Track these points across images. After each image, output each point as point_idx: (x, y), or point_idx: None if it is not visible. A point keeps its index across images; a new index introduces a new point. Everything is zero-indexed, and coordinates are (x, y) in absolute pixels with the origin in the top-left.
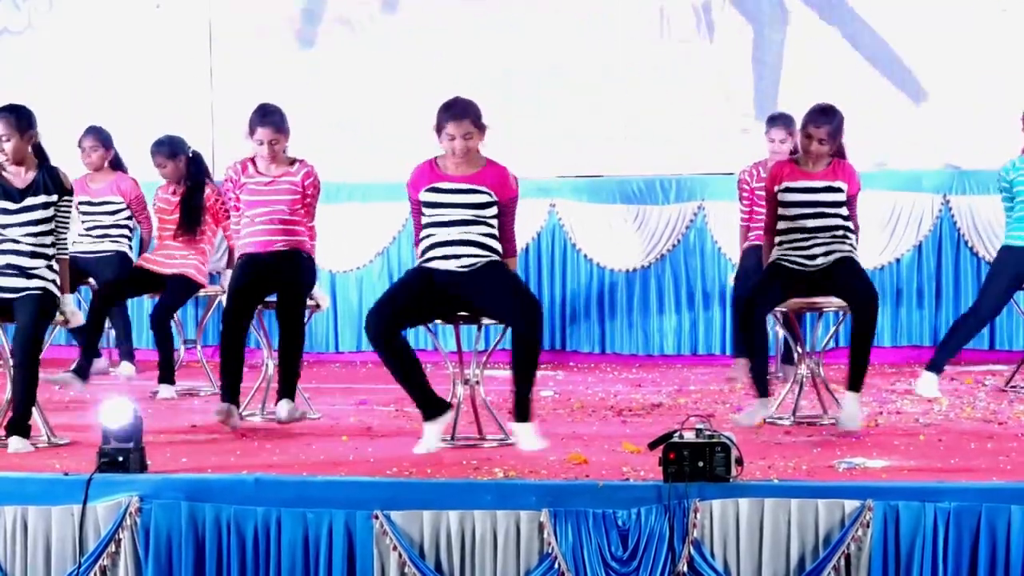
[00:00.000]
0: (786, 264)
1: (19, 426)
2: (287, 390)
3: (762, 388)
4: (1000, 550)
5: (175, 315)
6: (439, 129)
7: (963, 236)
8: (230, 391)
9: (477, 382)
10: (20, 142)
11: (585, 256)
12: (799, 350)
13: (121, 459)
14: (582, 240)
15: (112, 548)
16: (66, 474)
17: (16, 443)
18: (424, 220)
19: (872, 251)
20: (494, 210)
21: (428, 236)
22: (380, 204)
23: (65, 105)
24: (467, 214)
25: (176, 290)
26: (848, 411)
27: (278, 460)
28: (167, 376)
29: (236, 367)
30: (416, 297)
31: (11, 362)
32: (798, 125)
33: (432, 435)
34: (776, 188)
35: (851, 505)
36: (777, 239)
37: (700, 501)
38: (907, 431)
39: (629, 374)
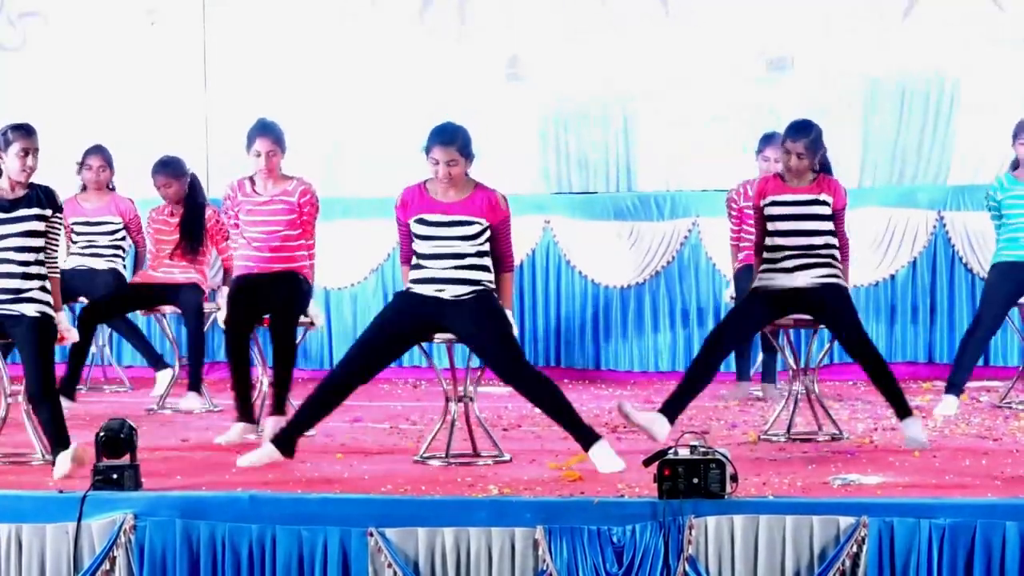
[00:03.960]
0: (768, 290)
1: (61, 442)
2: (278, 407)
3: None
4: (995, 567)
5: (169, 331)
6: (428, 151)
7: (958, 252)
8: (244, 410)
9: (471, 399)
10: (35, 161)
11: (579, 273)
12: (793, 366)
13: (116, 476)
14: (576, 257)
15: (107, 566)
16: (61, 492)
17: (61, 461)
18: (416, 248)
19: (867, 268)
20: (487, 235)
21: (420, 267)
22: (375, 221)
23: (59, 122)
24: (460, 246)
25: (194, 300)
26: (912, 435)
27: (273, 477)
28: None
29: (245, 386)
30: (400, 335)
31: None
32: None
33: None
34: (762, 203)
35: (846, 521)
36: (765, 256)
37: (695, 518)
38: (902, 448)
39: (624, 391)
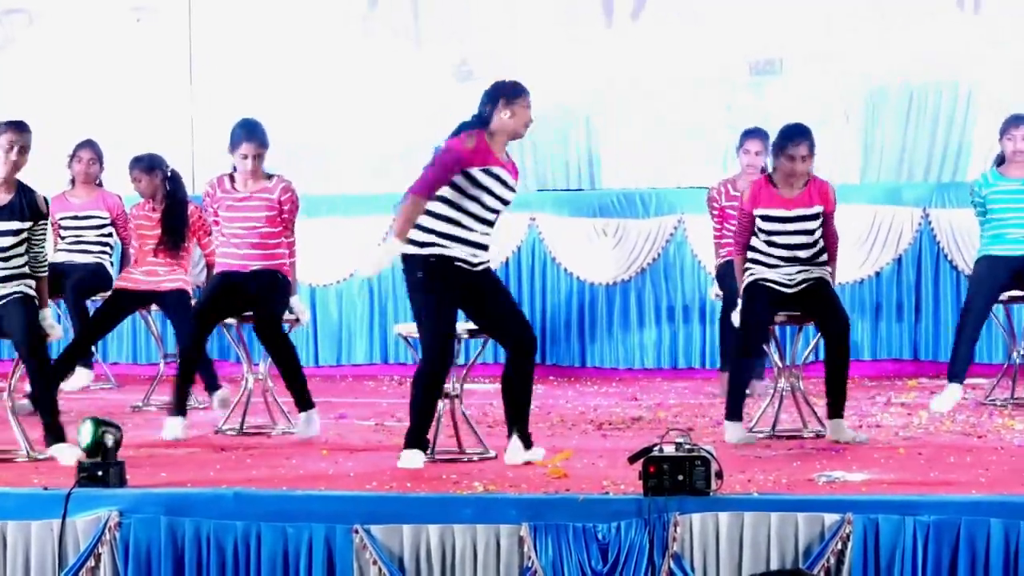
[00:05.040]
0: (764, 284)
1: (58, 433)
2: (304, 402)
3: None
4: (979, 563)
5: (155, 329)
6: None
7: (943, 249)
8: (180, 404)
9: (457, 396)
10: (21, 158)
11: (565, 270)
12: (779, 363)
13: (100, 473)
14: (562, 254)
15: (91, 563)
16: (45, 488)
17: (67, 451)
18: (457, 202)
19: (852, 265)
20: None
21: (458, 225)
22: (360, 218)
23: (45, 120)
24: (495, 216)
25: (181, 306)
26: (837, 433)
27: (257, 475)
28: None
29: (189, 380)
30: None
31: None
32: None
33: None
34: (754, 212)
35: (831, 518)
36: (751, 256)
37: (680, 515)
38: (887, 445)
39: (609, 388)
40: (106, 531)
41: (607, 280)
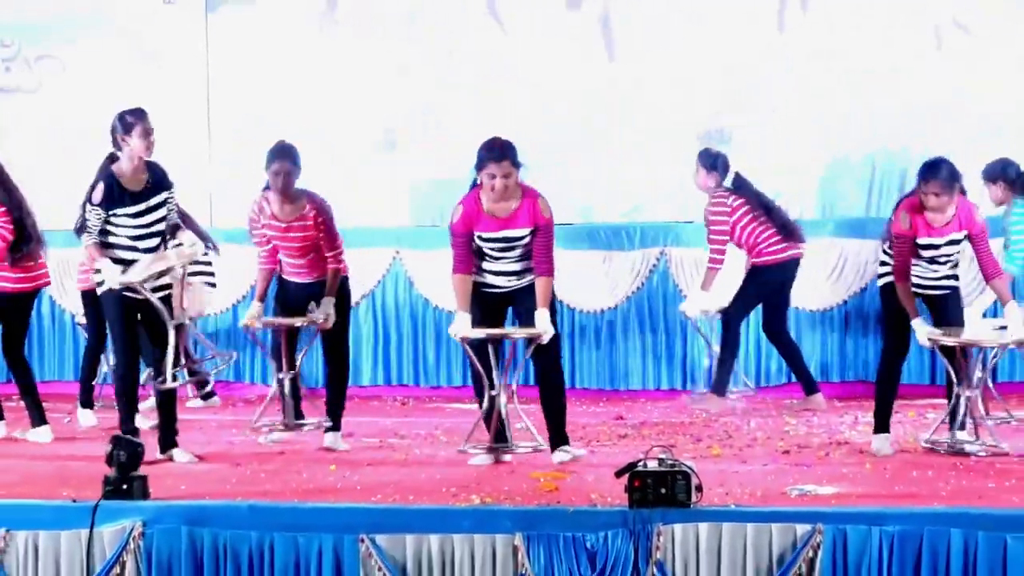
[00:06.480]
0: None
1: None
2: (335, 419)
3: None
4: (940, 570)
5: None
6: (480, 168)
7: None
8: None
9: (512, 392)
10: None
11: (557, 298)
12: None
13: (125, 487)
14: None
15: (117, 570)
16: (74, 501)
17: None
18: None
19: (823, 293)
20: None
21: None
22: (366, 250)
23: (72, 159)
24: (513, 252)
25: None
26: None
27: (271, 488)
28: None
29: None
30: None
31: None
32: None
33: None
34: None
35: (802, 529)
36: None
37: (663, 525)
38: (854, 460)
39: (597, 407)
40: (130, 540)
41: (596, 307)
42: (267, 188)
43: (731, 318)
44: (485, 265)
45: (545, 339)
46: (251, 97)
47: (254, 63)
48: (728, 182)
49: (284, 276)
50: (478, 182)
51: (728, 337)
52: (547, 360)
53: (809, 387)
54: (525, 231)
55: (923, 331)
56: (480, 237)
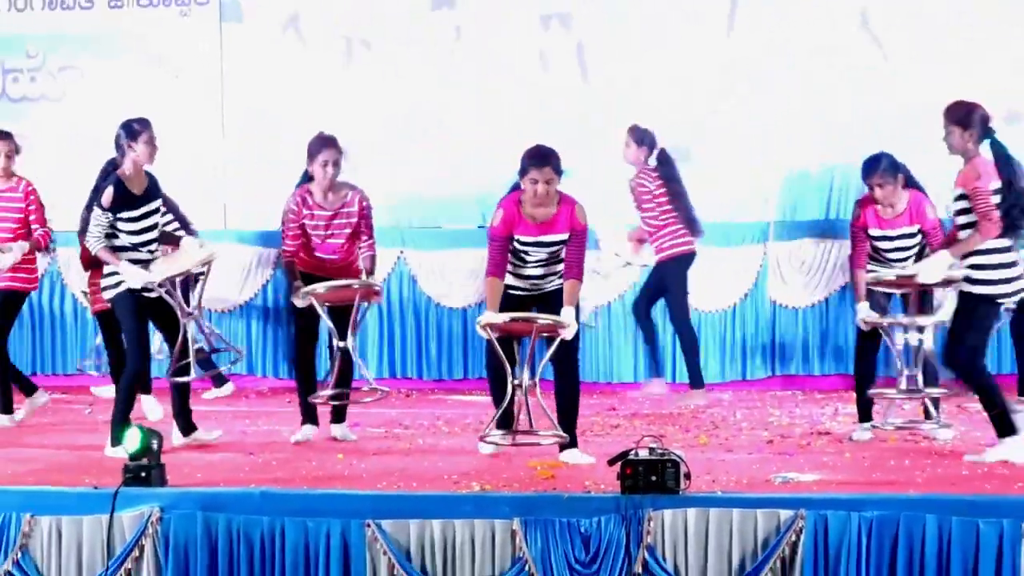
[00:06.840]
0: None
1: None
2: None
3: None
4: (916, 553)
5: None
6: (523, 173)
7: None
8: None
9: (533, 384)
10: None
11: None
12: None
13: (144, 475)
14: None
15: (136, 554)
16: (96, 487)
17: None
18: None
19: (805, 291)
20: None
21: (512, 268)
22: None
23: (94, 166)
24: (543, 256)
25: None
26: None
27: (282, 475)
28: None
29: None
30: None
31: None
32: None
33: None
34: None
35: (786, 514)
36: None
37: (653, 511)
38: (835, 449)
39: (591, 399)
40: (149, 525)
41: (589, 306)
42: (304, 182)
43: (673, 319)
44: (510, 268)
45: (568, 334)
46: (263, 104)
47: (265, 72)
48: (653, 159)
49: (303, 270)
50: (520, 186)
51: (681, 332)
52: (566, 360)
53: (696, 381)
54: (562, 236)
55: (861, 314)
56: (518, 240)
